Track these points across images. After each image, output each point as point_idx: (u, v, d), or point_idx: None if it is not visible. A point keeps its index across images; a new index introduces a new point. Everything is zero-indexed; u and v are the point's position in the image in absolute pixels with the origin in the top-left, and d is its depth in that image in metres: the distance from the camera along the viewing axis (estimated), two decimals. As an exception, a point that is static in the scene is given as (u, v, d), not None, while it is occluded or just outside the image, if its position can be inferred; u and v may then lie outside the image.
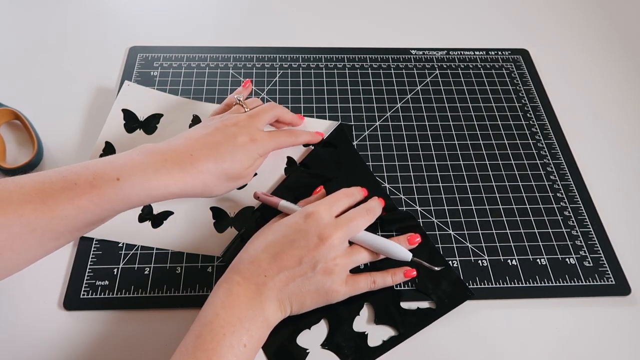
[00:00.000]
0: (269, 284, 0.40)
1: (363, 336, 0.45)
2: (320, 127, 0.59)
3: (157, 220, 0.51)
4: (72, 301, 0.46)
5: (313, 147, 0.57)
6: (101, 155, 0.54)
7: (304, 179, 0.54)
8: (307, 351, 0.44)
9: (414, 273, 0.46)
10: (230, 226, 0.51)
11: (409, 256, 0.45)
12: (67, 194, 0.37)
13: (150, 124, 0.58)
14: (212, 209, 0.52)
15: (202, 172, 0.43)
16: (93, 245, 0.49)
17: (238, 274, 0.41)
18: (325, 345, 0.44)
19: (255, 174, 0.54)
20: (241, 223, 0.51)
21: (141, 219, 0.51)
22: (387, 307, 0.46)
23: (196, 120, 0.59)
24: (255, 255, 0.42)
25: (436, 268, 0.46)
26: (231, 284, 0.40)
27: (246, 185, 0.54)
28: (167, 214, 0.51)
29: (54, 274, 0.47)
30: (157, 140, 0.56)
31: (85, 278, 0.47)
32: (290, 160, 0.56)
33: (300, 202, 0.49)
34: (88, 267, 0.48)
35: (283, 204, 0.48)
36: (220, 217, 0.51)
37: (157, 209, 0.52)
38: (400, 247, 0.45)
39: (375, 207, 0.47)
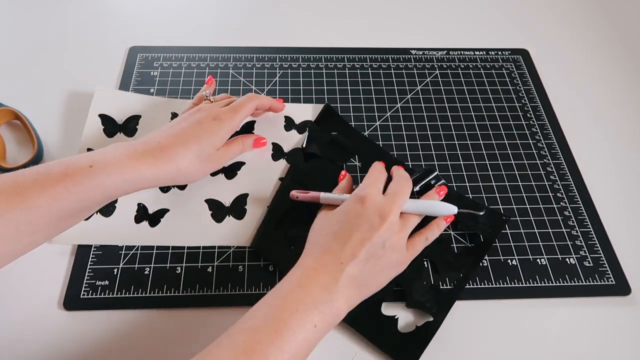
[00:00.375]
0: (347, 271, 0.40)
1: (435, 287, 0.48)
2: (305, 112, 0.60)
3: (154, 219, 0.51)
4: (72, 301, 0.46)
5: (308, 133, 0.58)
6: None
7: (319, 166, 0.56)
8: (396, 317, 0.46)
9: (453, 216, 0.49)
10: (228, 215, 0.51)
11: (454, 209, 0.48)
12: (40, 183, 0.37)
13: (129, 126, 0.58)
14: (206, 201, 0.52)
15: (172, 157, 0.44)
16: (93, 245, 0.49)
17: (314, 262, 0.41)
18: (410, 305, 0.47)
19: (244, 163, 0.55)
20: (238, 211, 0.51)
21: (137, 219, 0.51)
22: (443, 256, 0.50)
23: (175, 117, 0.59)
24: (326, 244, 0.42)
25: (480, 213, 0.50)
26: (308, 269, 0.40)
27: (236, 175, 0.54)
28: (163, 212, 0.51)
29: (54, 274, 0.47)
30: None
31: (85, 278, 0.47)
32: (276, 146, 0.57)
33: (335, 190, 0.50)
34: (88, 267, 0.48)
35: (325, 195, 0.48)
36: (216, 208, 0.52)
37: (151, 208, 0.52)
38: (444, 204, 0.48)
39: (405, 174, 0.49)
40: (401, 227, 0.45)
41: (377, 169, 0.49)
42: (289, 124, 0.59)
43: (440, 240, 0.49)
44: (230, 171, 0.54)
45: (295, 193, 0.50)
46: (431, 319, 0.46)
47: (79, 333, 0.44)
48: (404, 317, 0.47)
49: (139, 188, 0.43)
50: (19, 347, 0.43)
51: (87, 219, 0.50)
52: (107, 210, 0.51)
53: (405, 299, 0.47)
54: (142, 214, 0.51)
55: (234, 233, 0.50)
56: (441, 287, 0.48)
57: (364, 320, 0.46)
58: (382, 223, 0.43)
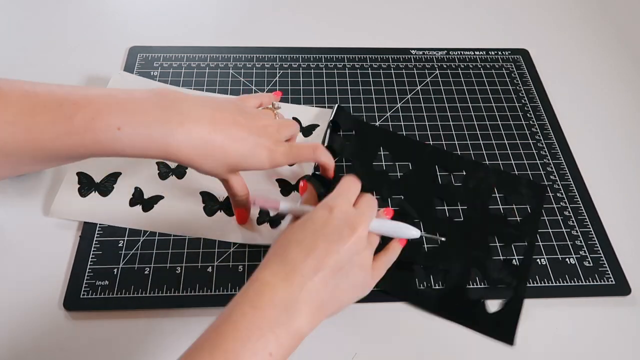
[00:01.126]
0: (309, 285, 0.36)
1: (508, 261, 0.50)
2: (310, 114, 0.61)
3: (148, 204, 0.52)
4: (72, 301, 0.46)
5: (328, 134, 0.57)
6: None
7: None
8: (482, 300, 0.47)
9: (406, 241, 0.45)
10: (220, 210, 0.52)
11: (418, 233, 0.45)
12: (59, 129, 0.35)
13: None
14: (201, 193, 0.53)
15: (174, 131, 0.39)
16: (93, 245, 0.49)
17: (272, 275, 0.36)
18: (491, 284, 0.48)
19: None
20: (229, 207, 0.51)
21: (132, 203, 0.52)
22: (501, 230, 0.52)
23: None
24: (286, 254, 0.37)
25: (442, 238, 0.48)
26: (264, 284, 0.35)
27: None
28: (157, 198, 0.52)
29: (54, 274, 0.47)
30: None
31: (86, 278, 0.47)
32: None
33: (300, 203, 0.48)
34: (88, 267, 0.48)
35: (285, 205, 0.44)
36: (209, 201, 0.52)
37: (147, 192, 0.52)
38: (410, 227, 0.44)
39: (372, 197, 0.44)
40: (367, 244, 0.41)
41: (350, 180, 0.44)
42: None
43: (496, 216, 0.53)
44: None
45: (254, 198, 0.45)
46: (512, 293, 0.48)
47: (79, 333, 0.44)
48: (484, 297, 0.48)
49: (151, 157, 0.40)
50: (19, 347, 0.43)
51: (84, 196, 0.51)
52: (106, 189, 0.52)
53: (486, 280, 0.49)
54: (137, 198, 0.52)
55: (221, 228, 0.51)
56: (513, 260, 0.50)
57: (453, 308, 0.47)
58: (351, 235, 0.38)
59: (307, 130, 0.59)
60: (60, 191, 0.51)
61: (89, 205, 0.51)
